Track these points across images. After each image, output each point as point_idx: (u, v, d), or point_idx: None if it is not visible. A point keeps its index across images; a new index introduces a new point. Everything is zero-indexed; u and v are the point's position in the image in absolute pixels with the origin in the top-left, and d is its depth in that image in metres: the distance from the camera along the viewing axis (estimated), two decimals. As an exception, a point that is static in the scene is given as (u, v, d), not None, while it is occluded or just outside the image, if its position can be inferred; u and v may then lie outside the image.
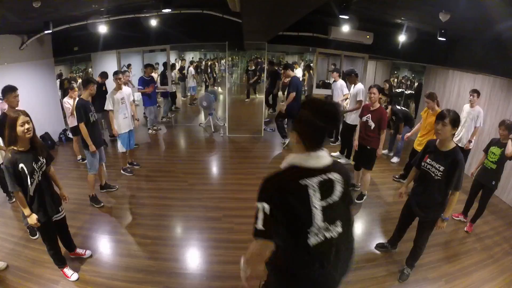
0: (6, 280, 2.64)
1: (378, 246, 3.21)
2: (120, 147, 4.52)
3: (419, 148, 4.18)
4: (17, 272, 2.72)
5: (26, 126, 2.17)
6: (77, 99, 4.06)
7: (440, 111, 2.38)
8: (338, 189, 1.30)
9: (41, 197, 2.35)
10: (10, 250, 2.94)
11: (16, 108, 3.44)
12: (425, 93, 4.25)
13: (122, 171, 4.77)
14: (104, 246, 3.19)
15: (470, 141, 4.36)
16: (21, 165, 2.17)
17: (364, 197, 4.14)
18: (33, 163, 2.25)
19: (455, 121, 2.26)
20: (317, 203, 1.23)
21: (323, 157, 1.29)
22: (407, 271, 2.79)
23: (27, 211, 2.29)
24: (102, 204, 3.85)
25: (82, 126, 3.55)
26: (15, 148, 2.18)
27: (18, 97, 3.38)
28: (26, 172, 2.20)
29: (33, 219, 2.29)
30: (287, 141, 5.88)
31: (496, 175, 3.35)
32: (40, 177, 2.31)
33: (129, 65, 8.46)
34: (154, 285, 2.66)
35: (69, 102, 4.80)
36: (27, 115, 2.22)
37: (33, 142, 2.29)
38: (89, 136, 3.58)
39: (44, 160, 2.38)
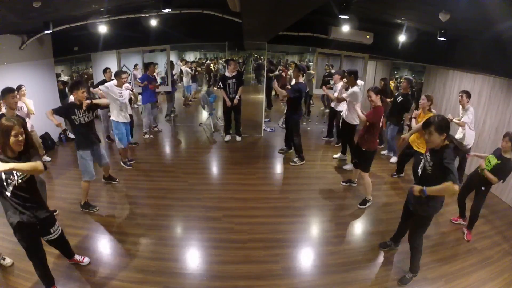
0: (7, 280, 2.64)
1: (382, 246, 3.19)
2: (118, 143, 4.66)
3: (414, 145, 4.20)
4: (17, 272, 2.72)
5: (20, 138, 2.03)
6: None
7: (427, 118, 2.33)
8: None
9: (18, 204, 2.14)
10: (10, 250, 2.93)
11: (15, 112, 3.44)
12: (425, 93, 4.25)
13: (121, 162, 4.98)
14: (104, 246, 3.19)
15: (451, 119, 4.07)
16: None
17: (368, 203, 4.01)
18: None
19: (441, 127, 2.22)
20: None
21: None
22: (409, 276, 2.76)
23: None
24: (96, 208, 3.73)
25: (50, 111, 3.38)
26: (1, 155, 2.02)
27: (17, 98, 3.36)
28: (3, 173, 2.01)
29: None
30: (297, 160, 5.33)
31: (486, 182, 3.21)
32: (19, 183, 2.09)
33: (135, 65, 8.33)
34: (154, 285, 2.66)
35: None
36: (22, 125, 2.05)
37: (20, 152, 2.10)
38: (78, 138, 3.53)
39: None
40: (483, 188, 3.29)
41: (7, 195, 2.11)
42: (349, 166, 5.22)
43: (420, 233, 2.63)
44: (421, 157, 4.00)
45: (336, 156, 5.60)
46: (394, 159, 5.58)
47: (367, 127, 3.78)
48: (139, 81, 6.16)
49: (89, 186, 3.70)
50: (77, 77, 8.31)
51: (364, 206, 4.00)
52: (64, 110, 3.50)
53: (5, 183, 2.07)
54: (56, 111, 3.46)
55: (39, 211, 2.28)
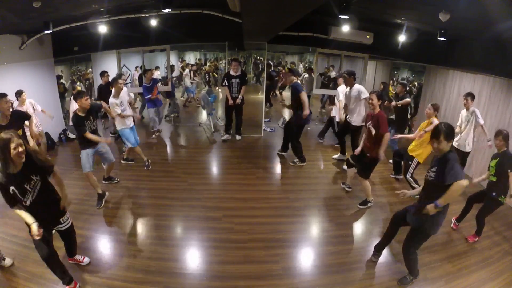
0: (7, 280, 2.64)
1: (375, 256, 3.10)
2: (127, 143, 4.74)
3: (412, 151, 4.13)
4: (18, 272, 2.72)
5: (20, 149, 2.01)
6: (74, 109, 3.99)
7: (434, 127, 2.38)
8: None
9: (37, 211, 2.21)
10: (11, 250, 2.94)
11: (8, 118, 3.43)
12: (432, 103, 4.21)
13: (122, 160, 5.03)
14: (104, 246, 3.20)
15: (489, 140, 4.11)
16: (11, 187, 2.04)
17: (369, 204, 4.00)
18: (25, 184, 2.11)
19: (449, 135, 2.29)
20: None
21: None
22: (409, 277, 2.74)
23: (29, 219, 2.12)
24: (98, 207, 3.79)
25: (88, 135, 3.55)
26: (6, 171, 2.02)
27: (9, 103, 3.35)
28: (18, 194, 2.08)
29: (34, 230, 2.09)
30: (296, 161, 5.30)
31: (497, 187, 3.20)
32: (35, 196, 2.18)
33: (157, 68, 8.17)
34: (154, 285, 2.66)
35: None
36: (19, 137, 2.05)
37: (25, 164, 2.10)
38: (86, 142, 3.64)
39: (38, 177, 2.20)
40: (493, 194, 3.22)
41: (26, 205, 2.17)
42: (336, 156, 5.39)
43: (418, 247, 2.62)
44: (410, 162, 4.06)
45: (335, 156, 5.60)
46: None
47: (370, 134, 3.73)
48: (148, 96, 6.13)
49: (93, 177, 3.77)
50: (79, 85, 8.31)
51: (364, 207, 3.99)
52: (81, 125, 3.53)
53: (23, 199, 2.12)
54: (83, 130, 3.54)
55: (52, 206, 2.38)
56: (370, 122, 3.72)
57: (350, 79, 4.82)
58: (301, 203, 4.07)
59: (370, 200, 4.01)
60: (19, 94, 4.52)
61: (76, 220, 3.48)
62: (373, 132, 3.67)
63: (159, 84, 7.11)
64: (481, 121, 4.20)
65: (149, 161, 5.00)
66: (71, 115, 4.89)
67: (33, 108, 4.72)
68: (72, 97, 4.18)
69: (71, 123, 4.68)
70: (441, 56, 5.84)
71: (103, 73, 5.94)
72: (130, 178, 4.66)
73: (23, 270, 2.73)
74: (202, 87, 11.54)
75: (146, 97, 6.16)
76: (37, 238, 2.11)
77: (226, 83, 5.93)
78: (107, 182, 4.40)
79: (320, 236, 3.50)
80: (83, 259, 2.86)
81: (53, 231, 2.49)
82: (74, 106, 4.82)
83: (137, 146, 4.85)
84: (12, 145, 1.98)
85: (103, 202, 3.87)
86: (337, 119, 5.86)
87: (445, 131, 2.28)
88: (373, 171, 3.92)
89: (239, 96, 5.93)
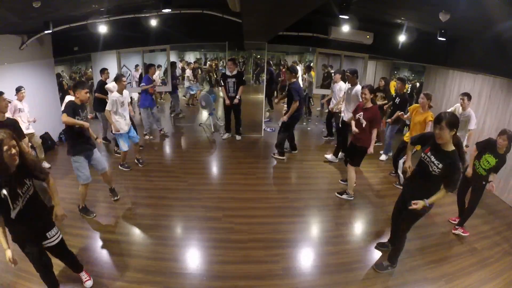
0: (7, 280, 2.64)
1: (379, 246, 3.20)
2: (123, 145, 4.60)
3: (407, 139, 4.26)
4: (17, 272, 2.71)
5: (13, 151, 1.87)
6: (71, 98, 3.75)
7: (438, 114, 2.36)
8: None
9: (23, 225, 2.06)
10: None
11: (5, 116, 3.37)
12: (424, 92, 4.28)
13: (120, 166, 4.90)
14: (104, 246, 3.18)
15: (466, 146, 4.14)
16: (3, 191, 1.86)
17: (346, 196, 4.07)
18: (18, 187, 1.95)
19: (452, 124, 2.24)
20: None
21: None
22: (385, 264, 2.88)
23: (4, 243, 1.96)
24: (94, 214, 3.63)
25: (65, 116, 3.08)
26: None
27: (7, 100, 3.33)
28: (9, 199, 1.90)
29: (8, 255, 1.97)
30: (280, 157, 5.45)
31: (486, 178, 3.29)
32: (25, 203, 2.02)
33: (159, 66, 8.14)
34: (154, 285, 2.66)
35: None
36: (12, 137, 1.89)
37: (19, 164, 1.96)
38: (75, 141, 3.32)
39: (31, 183, 2.07)
40: (484, 183, 3.31)
41: (12, 218, 1.99)
42: (329, 156, 5.41)
43: (411, 226, 2.69)
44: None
45: (328, 156, 5.48)
46: (384, 157, 5.59)
47: (360, 126, 3.83)
48: (144, 84, 6.11)
49: (86, 190, 3.56)
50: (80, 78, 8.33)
51: (340, 196, 4.10)
52: (72, 110, 3.19)
53: (12, 206, 1.95)
54: (68, 113, 3.13)
55: (39, 219, 2.22)
56: (362, 113, 3.80)
57: (353, 77, 4.84)
58: (301, 203, 4.07)
59: (350, 194, 4.07)
60: (18, 90, 4.51)
61: (76, 220, 3.51)
62: (363, 124, 3.78)
63: (159, 83, 7.13)
64: (474, 127, 4.20)
65: (127, 164, 4.94)
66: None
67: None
68: (71, 87, 3.87)
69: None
70: (441, 56, 5.84)
71: (103, 70, 5.96)
72: (130, 178, 4.66)
73: (23, 270, 2.72)
74: (202, 86, 11.57)
75: (142, 84, 6.11)
76: (13, 265, 2.03)
77: (222, 84, 6.01)
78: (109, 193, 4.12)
79: (320, 236, 3.50)
80: (85, 281, 2.59)
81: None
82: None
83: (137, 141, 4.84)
84: (5, 147, 1.84)
85: (92, 211, 3.67)
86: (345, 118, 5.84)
87: (448, 118, 2.24)
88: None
89: (237, 96, 5.94)
